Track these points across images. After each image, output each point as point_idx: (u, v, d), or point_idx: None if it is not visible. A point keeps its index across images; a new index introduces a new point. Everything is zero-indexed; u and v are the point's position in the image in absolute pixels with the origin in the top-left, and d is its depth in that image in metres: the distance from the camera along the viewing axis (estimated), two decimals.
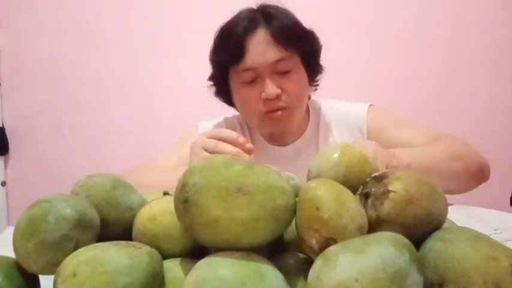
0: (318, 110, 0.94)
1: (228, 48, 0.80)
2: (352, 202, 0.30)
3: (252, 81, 0.81)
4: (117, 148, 1.70)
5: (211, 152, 0.58)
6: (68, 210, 0.33)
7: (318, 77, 0.92)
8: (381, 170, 0.57)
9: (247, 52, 0.78)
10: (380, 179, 0.32)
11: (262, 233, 0.30)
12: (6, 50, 1.71)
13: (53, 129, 1.74)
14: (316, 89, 0.95)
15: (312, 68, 0.87)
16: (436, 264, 0.27)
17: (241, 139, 0.59)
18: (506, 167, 1.62)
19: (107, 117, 1.72)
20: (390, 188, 0.31)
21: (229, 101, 0.91)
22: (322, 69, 0.91)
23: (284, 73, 0.80)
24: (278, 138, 0.92)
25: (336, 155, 0.38)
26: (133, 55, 1.71)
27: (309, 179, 0.39)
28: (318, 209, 0.29)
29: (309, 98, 0.95)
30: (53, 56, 1.71)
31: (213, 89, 0.91)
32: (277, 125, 0.83)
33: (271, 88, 0.78)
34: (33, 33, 1.70)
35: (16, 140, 1.74)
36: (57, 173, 1.71)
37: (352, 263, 0.24)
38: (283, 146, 0.92)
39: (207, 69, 0.91)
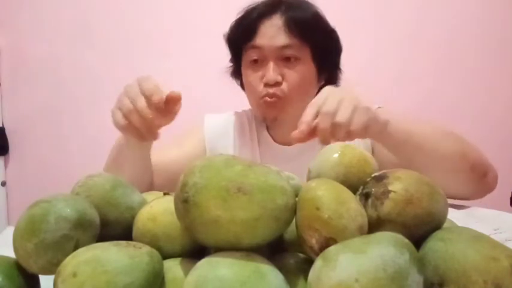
0: None
1: (242, 27, 0.84)
2: (352, 202, 0.30)
3: (258, 64, 0.82)
4: None
5: (131, 102, 0.57)
6: (68, 210, 0.33)
7: (338, 82, 0.92)
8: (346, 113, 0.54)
9: (258, 33, 0.81)
10: (380, 179, 0.32)
11: (262, 233, 0.30)
12: (6, 50, 1.71)
13: (53, 129, 1.74)
14: None
15: (323, 65, 0.86)
16: (436, 264, 0.27)
17: (155, 102, 0.55)
18: (506, 167, 1.62)
19: (107, 117, 1.71)
20: (390, 188, 0.31)
21: (242, 83, 0.92)
22: (339, 71, 0.91)
23: (289, 61, 0.81)
24: (280, 134, 0.91)
25: (336, 155, 0.38)
26: (133, 55, 1.71)
27: (309, 179, 0.39)
28: (318, 209, 0.29)
29: None
30: (53, 56, 1.71)
31: (230, 70, 0.95)
32: (271, 111, 0.83)
33: (272, 73, 0.79)
34: (33, 33, 1.70)
35: (16, 140, 1.74)
36: (57, 173, 1.71)
37: (352, 263, 0.24)
38: (289, 145, 0.92)
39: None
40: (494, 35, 1.71)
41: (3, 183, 1.74)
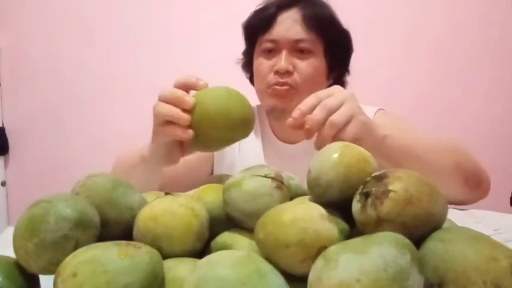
0: None
1: (260, 18, 0.86)
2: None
3: (271, 53, 0.85)
4: (117, 148, 1.70)
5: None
6: (68, 210, 0.33)
7: (345, 81, 0.94)
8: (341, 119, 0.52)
9: (275, 24, 0.83)
10: (380, 178, 0.32)
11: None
12: (6, 50, 1.71)
13: (53, 129, 1.74)
14: None
15: (334, 62, 0.88)
16: (435, 265, 0.27)
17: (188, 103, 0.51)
18: (506, 167, 1.62)
19: (107, 117, 1.72)
20: (390, 187, 0.31)
21: (252, 76, 0.94)
22: (347, 71, 0.93)
23: (302, 53, 0.83)
24: (284, 132, 0.92)
25: (336, 155, 0.37)
26: (133, 55, 1.71)
27: (309, 178, 0.39)
28: (287, 247, 0.31)
29: None
30: (53, 55, 1.71)
31: (242, 62, 0.97)
32: (281, 100, 0.83)
33: (284, 62, 0.81)
34: (33, 33, 1.70)
35: (16, 140, 1.74)
36: (57, 173, 1.71)
37: (353, 263, 0.24)
38: (293, 143, 0.92)
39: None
40: (493, 35, 1.71)
41: (3, 183, 1.74)
